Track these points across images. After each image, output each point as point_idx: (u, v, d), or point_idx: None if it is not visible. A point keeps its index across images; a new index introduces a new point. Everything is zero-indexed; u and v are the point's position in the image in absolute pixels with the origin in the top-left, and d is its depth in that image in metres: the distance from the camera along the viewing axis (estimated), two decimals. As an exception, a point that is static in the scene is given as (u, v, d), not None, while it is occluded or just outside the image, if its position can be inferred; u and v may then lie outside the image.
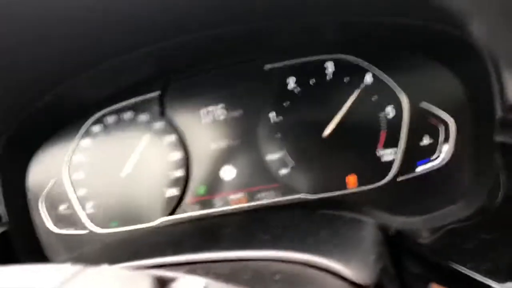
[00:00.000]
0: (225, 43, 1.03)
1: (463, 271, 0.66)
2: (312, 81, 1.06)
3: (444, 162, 0.99)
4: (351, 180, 1.03)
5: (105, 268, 0.39)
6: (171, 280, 0.38)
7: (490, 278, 0.62)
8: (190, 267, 0.67)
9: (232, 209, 1.07)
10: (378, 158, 1.02)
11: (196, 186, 1.09)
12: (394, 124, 1.01)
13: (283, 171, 1.06)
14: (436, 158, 0.99)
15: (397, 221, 0.95)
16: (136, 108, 1.13)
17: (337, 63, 1.05)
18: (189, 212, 1.09)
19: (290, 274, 0.61)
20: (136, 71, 1.08)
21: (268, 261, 0.65)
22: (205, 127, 1.10)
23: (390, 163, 1.01)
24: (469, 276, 0.65)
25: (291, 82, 1.07)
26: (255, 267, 0.64)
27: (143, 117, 1.12)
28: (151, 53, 0.99)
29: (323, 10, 0.92)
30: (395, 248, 0.85)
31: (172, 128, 1.10)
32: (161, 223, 1.08)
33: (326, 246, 0.69)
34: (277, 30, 1.00)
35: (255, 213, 1.05)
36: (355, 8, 0.90)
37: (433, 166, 0.99)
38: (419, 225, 0.92)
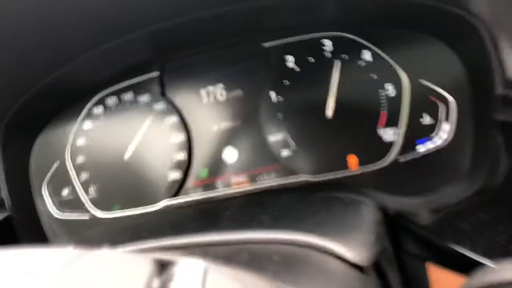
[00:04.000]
0: (224, 22, 1.01)
1: (460, 251, 0.67)
2: (311, 59, 1.05)
3: (444, 141, 0.98)
4: (353, 160, 1.02)
5: (105, 252, 0.40)
6: (172, 262, 0.39)
7: (486, 257, 0.63)
8: (189, 250, 0.67)
9: (234, 192, 1.07)
10: (379, 137, 1.01)
11: (198, 168, 1.09)
12: (395, 103, 1.00)
13: (285, 152, 1.05)
14: (437, 137, 0.99)
15: (397, 202, 0.95)
16: (136, 89, 1.12)
17: (335, 41, 1.04)
18: (191, 195, 1.08)
19: (288, 255, 0.61)
20: (134, 52, 1.07)
21: (266, 243, 0.65)
22: (206, 108, 1.10)
23: (391, 142, 1.01)
24: (466, 256, 0.65)
25: (290, 61, 1.06)
26: (253, 249, 0.64)
27: (144, 98, 1.12)
28: (149, 34, 0.98)
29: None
30: (394, 228, 0.86)
31: (173, 108, 1.10)
32: (163, 206, 1.08)
33: (324, 227, 0.69)
34: (275, 9, 0.99)
35: (256, 196, 1.05)
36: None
37: (434, 145, 0.99)
38: (418, 206, 0.92)
